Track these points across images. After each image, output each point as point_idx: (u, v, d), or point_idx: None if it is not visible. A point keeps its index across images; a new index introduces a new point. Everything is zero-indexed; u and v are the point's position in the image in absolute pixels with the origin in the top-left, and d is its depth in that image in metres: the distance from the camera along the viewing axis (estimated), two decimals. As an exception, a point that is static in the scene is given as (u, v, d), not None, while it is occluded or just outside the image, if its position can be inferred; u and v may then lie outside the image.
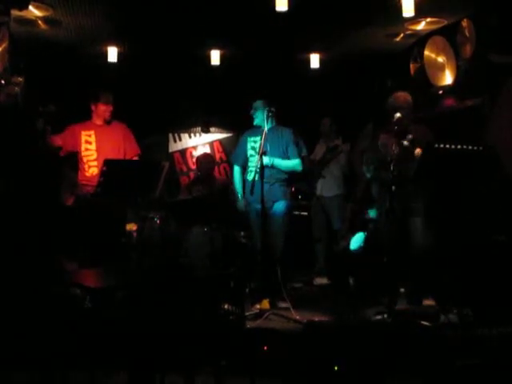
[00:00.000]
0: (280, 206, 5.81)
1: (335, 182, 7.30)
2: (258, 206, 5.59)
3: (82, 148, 6.01)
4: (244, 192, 5.92)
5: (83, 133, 6.03)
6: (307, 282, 7.03)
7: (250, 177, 5.76)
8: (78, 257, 5.59)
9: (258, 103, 5.85)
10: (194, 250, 6.30)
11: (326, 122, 7.46)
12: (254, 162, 5.78)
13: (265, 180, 5.54)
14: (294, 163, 5.86)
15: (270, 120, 5.75)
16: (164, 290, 3.78)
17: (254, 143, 5.88)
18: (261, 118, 5.76)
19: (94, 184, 5.68)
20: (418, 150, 5.09)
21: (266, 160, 5.62)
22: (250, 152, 5.91)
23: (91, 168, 5.99)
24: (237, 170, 6.10)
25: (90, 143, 6.01)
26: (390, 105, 5.48)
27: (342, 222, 7.15)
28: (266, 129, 5.56)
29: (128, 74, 7.94)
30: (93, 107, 6.08)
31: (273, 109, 5.71)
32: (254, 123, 5.91)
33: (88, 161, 6.01)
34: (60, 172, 6.22)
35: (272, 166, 5.70)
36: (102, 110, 6.03)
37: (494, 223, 5.12)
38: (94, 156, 6.01)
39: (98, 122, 6.09)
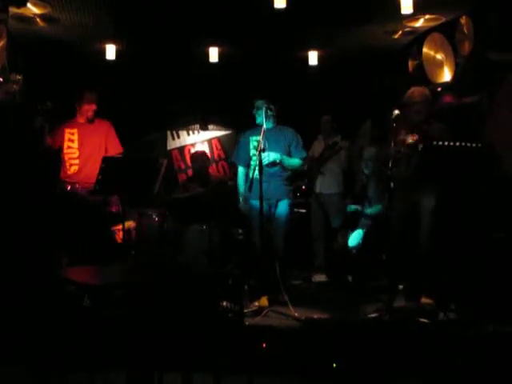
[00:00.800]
0: (283, 205, 5.81)
1: (334, 179, 7.30)
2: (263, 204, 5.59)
3: (65, 146, 6.08)
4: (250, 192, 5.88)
5: (67, 131, 6.12)
6: (306, 279, 7.03)
7: (251, 175, 5.73)
8: (74, 254, 5.59)
9: (260, 102, 5.84)
10: (191, 247, 6.30)
11: (326, 119, 7.46)
12: (257, 161, 5.75)
13: (268, 178, 5.59)
14: (297, 162, 5.89)
15: (271, 119, 5.76)
16: (162, 288, 3.78)
17: (256, 143, 5.83)
18: (263, 117, 5.76)
19: (75, 181, 5.77)
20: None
21: (274, 156, 5.67)
22: (252, 151, 5.87)
23: (72, 166, 6.07)
24: (241, 170, 6.06)
25: (72, 141, 6.09)
26: (405, 100, 5.46)
27: (340, 219, 7.17)
28: (264, 126, 5.55)
29: (126, 71, 7.92)
30: (77, 106, 6.16)
31: (272, 107, 5.69)
32: (257, 122, 5.89)
33: (70, 158, 6.08)
34: (58, 170, 6.21)
35: (280, 162, 5.73)
36: (85, 109, 6.11)
37: (492, 220, 5.12)
38: (76, 154, 6.09)
39: (82, 120, 6.18)
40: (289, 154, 5.85)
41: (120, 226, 6.20)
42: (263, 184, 5.46)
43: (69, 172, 6.06)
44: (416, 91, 5.50)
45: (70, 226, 5.68)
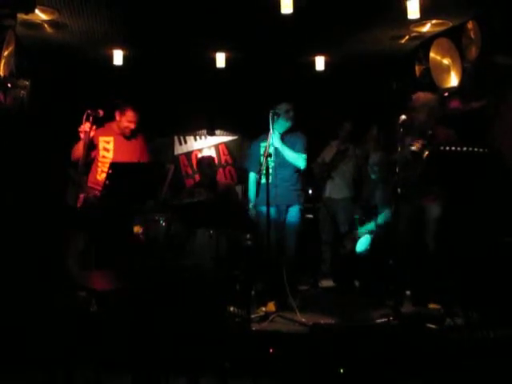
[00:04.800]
0: (294, 211, 5.81)
1: (345, 184, 7.31)
2: (271, 209, 5.58)
3: (100, 155, 5.78)
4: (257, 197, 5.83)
5: (101, 139, 5.81)
6: (313, 285, 7.01)
7: (263, 180, 5.71)
8: (83, 259, 5.60)
9: (285, 105, 5.85)
10: (199, 252, 6.30)
11: (347, 126, 7.43)
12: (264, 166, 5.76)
13: (277, 183, 5.60)
14: (299, 155, 5.75)
15: (285, 123, 5.78)
16: (169, 293, 3.79)
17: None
18: (281, 122, 5.79)
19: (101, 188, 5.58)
20: (427, 153, 5.08)
21: (276, 143, 5.63)
22: (262, 157, 5.87)
23: (104, 173, 5.62)
24: (252, 176, 6.03)
25: (107, 151, 5.80)
26: (411, 105, 5.47)
27: (349, 224, 7.16)
28: (271, 131, 5.56)
29: (133, 76, 7.96)
30: (117, 117, 5.82)
31: (278, 111, 5.69)
32: (281, 124, 5.84)
33: (102, 166, 5.73)
34: (65, 174, 6.19)
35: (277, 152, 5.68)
36: (124, 126, 5.79)
37: (500, 225, 5.11)
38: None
39: (118, 131, 5.86)
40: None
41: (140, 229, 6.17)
42: (273, 189, 5.47)
43: (98, 178, 5.73)
44: (420, 96, 5.50)
45: (89, 232, 5.62)
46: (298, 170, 5.84)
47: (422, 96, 5.51)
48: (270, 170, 5.64)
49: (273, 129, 5.56)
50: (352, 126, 7.43)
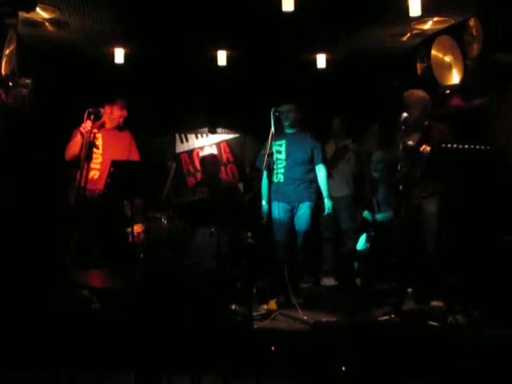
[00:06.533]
0: (305, 208, 5.87)
1: (345, 181, 7.30)
2: (285, 205, 5.81)
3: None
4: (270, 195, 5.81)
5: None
6: (315, 283, 7.02)
7: (275, 179, 5.81)
8: (85, 258, 5.60)
9: (288, 105, 5.95)
10: (200, 250, 6.30)
11: (337, 121, 7.45)
12: (279, 165, 5.87)
13: (290, 181, 5.82)
14: (324, 174, 6.03)
15: (297, 123, 5.97)
16: (171, 291, 3.78)
17: (279, 146, 5.93)
18: (286, 122, 5.94)
19: (94, 188, 5.52)
20: (424, 147, 5.08)
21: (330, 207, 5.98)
22: (275, 155, 5.88)
23: (92, 171, 5.66)
24: (264, 174, 6.07)
25: (97, 147, 5.76)
26: (404, 102, 5.48)
27: (350, 222, 7.16)
28: (272, 130, 5.57)
29: (134, 74, 7.95)
30: (108, 110, 5.83)
31: (279, 110, 5.70)
32: (284, 125, 6.04)
33: (91, 163, 5.65)
34: (65, 173, 6.17)
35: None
36: (118, 115, 5.84)
37: (502, 223, 5.10)
38: (99, 160, 5.73)
39: (108, 125, 5.86)
40: (312, 158, 5.97)
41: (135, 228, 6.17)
42: (287, 187, 5.77)
43: (89, 176, 5.55)
44: (414, 93, 5.51)
45: (91, 230, 5.61)
46: (312, 169, 5.96)
47: (415, 93, 5.53)
48: (283, 170, 5.86)
49: (274, 127, 5.59)
50: (342, 121, 7.43)
